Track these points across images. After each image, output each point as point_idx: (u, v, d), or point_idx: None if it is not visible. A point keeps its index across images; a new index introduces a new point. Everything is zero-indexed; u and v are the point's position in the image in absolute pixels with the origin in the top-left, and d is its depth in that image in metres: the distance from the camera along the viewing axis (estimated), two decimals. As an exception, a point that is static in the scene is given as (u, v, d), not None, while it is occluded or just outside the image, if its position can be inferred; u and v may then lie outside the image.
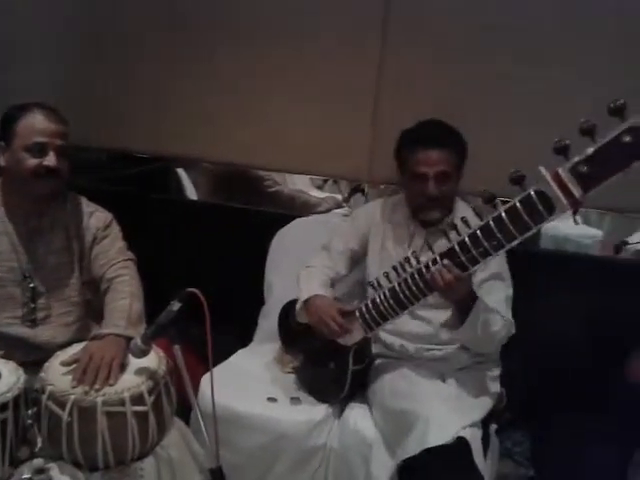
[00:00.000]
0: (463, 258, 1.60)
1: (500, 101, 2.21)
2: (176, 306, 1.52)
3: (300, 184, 3.35)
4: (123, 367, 1.60)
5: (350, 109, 2.39)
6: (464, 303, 1.74)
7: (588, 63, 2.11)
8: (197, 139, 2.64)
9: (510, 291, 1.94)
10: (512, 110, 2.20)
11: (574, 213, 1.44)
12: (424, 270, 1.68)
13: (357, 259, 2.13)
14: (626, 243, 2.46)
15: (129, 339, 1.62)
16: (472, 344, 1.89)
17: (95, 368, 1.55)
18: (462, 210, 1.99)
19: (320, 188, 3.60)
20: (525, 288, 1.96)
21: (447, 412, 1.70)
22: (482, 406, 1.86)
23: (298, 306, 2.01)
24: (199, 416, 1.51)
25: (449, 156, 1.88)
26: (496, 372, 2.01)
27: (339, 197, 3.33)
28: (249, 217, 2.71)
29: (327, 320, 1.89)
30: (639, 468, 2.00)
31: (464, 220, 1.60)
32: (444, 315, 1.91)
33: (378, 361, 2.04)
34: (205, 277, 2.52)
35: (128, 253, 1.95)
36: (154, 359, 1.62)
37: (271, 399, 1.98)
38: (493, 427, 1.95)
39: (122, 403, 1.49)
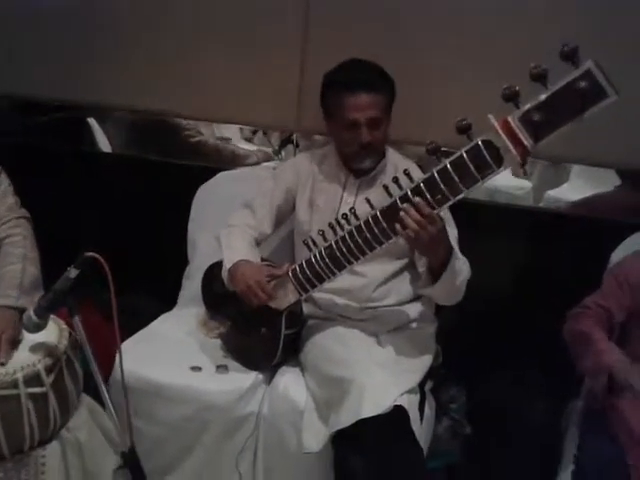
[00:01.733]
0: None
1: (442, 43, 2.06)
2: (73, 273, 1.34)
3: (228, 135, 3.19)
4: (15, 344, 1.41)
5: (278, 55, 2.20)
6: (438, 253, 1.58)
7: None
8: (111, 85, 2.37)
9: (456, 232, 1.83)
10: (456, 53, 2.05)
11: (522, 164, 1.35)
12: (363, 226, 1.56)
13: (283, 216, 2.00)
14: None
15: (23, 310, 1.42)
16: (441, 299, 1.79)
17: None
18: (393, 156, 1.91)
19: (249, 140, 3.44)
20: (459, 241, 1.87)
21: (383, 379, 1.60)
22: (419, 369, 1.78)
23: (224, 274, 1.84)
24: (105, 395, 1.35)
25: (380, 99, 1.76)
26: (432, 329, 1.94)
27: (269, 149, 3.22)
28: (170, 171, 2.49)
29: (255, 288, 1.74)
30: (572, 418, 1.95)
31: (406, 172, 1.48)
32: (380, 268, 1.83)
33: (310, 322, 1.93)
34: (122, 237, 2.40)
35: (21, 210, 1.73)
36: (54, 332, 1.44)
37: (195, 368, 1.83)
38: (429, 385, 1.89)
39: (15, 385, 1.32)
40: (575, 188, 2.84)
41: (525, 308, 2.23)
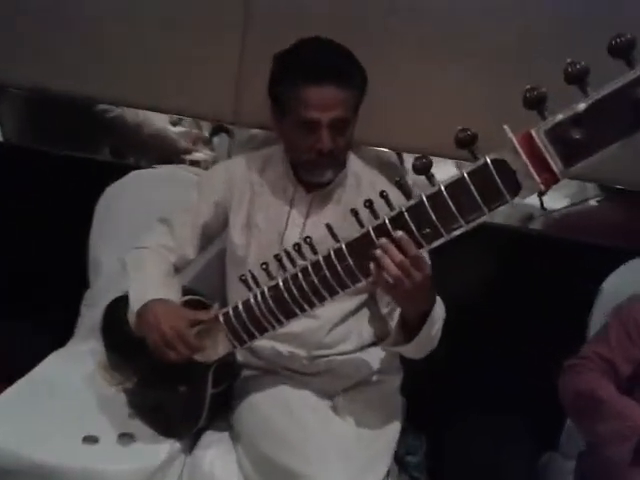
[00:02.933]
0: (380, 251, 1.09)
1: (412, 25, 1.67)
2: None
3: (156, 123, 2.73)
4: None
5: (215, 36, 1.81)
6: (419, 304, 1.21)
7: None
8: (4, 57, 1.96)
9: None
10: (430, 40, 1.67)
11: (542, 194, 0.98)
12: (323, 263, 1.14)
13: (211, 237, 1.57)
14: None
15: None
16: (411, 354, 1.37)
17: None
18: (354, 164, 1.51)
19: (177, 124, 2.98)
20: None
21: (348, 476, 1.21)
22: (390, 445, 1.41)
23: (130, 315, 1.39)
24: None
25: (350, 96, 1.35)
26: (398, 381, 1.57)
27: (199, 135, 2.78)
28: (72, 167, 1.99)
29: (173, 340, 1.30)
30: (547, 471, 1.72)
31: (384, 195, 1.07)
32: (335, 307, 1.40)
33: (246, 373, 1.51)
34: (4, 250, 1.93)
35: None
36: None
37: (89, 438, 1.37)
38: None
39: None
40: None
41: (494, 344, 1.89)
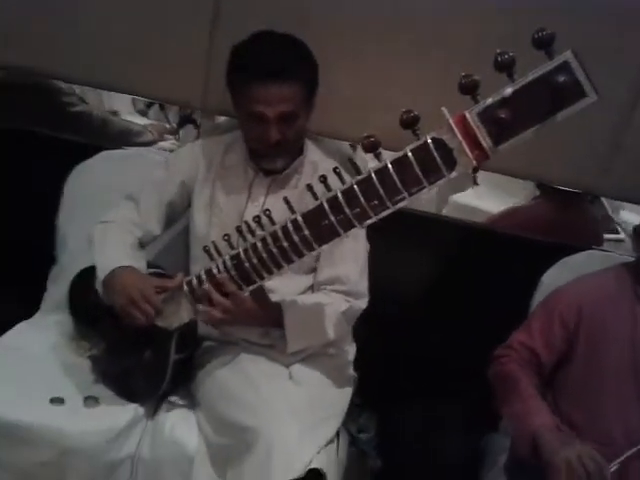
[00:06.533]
0: (333, 219, 1.18)
1: (375, 19, 1.74)
2: None
3: (118, 106, 2.74)
4: None
5: (185, 18, 1.81)
6: (262, 323, 1.49)
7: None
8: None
9: (365, 255, 1.59)
10: (398, 31, 1.74)
11: (474, 170, 1.10)
12: (280, 233, 1.24)
13: (175, 214, 1.65)
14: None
15: None
16: (317, 347, 1.55)
17: None
18: (312, 154, 1.60)
19: (143, 114, 3.00)
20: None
21: (297, 435, 1.30)
22: (339, 410, 1.51)
23: (98, 283, 1.46)
24: None
25: (296, 90, 1.44)
26: (351, 355, 1.67)
27: (166, 126, 2.82)
28: (40, 145, 2.01)
29: (139, 302, 1.38)
30: (487, 449, 1.79)
31: (337, 172, 1.18)
32: (293, 284, 1.53)
33: (205, 344, 1.60)
34: None
35: None
36: None
37: (56, 400, 1.44)
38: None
39: None
40: (480, 195, 2.70)
41: (442, 330, 1.99)
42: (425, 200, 2.54)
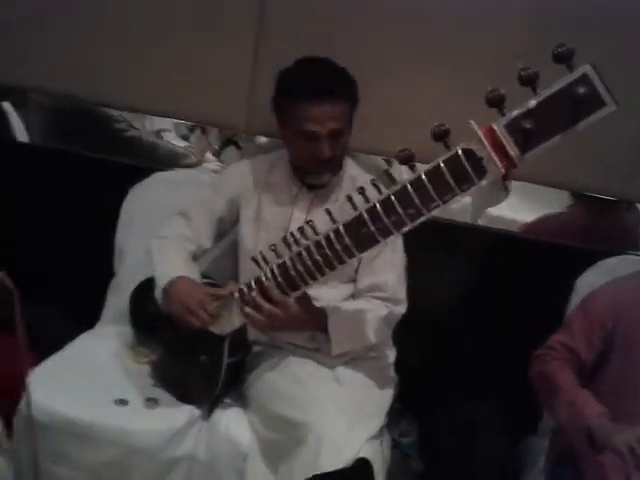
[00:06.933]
0: (372, 228, 1.28)
1: (408, 41, 1.87)
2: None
3: (162, 130, 2.91)
4: None
5: (228, 41, 1.95)
6: (308, 328, 1.58)
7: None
8: (28, 63, 2.09)
9: (403, 264, 1.69)
10: (424, 54, 1.87)
11: (504, 178, 1.19)
12: (323, 242, 1.34)
13: (224, 229, 1.77)
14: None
15: None
16: (359, 350, 1.65)
17: None
18: (351, 169, 1.71)
19: (186, 138, 3.15)
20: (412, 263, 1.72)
21: (345, 427, 1.39)
22: (381, 410, 1.59)
23: (158, 292, 1.59)
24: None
25: (343, 109, 1.56)
26: (391, 357, 1.76)
27: (208, 150, 2.96)
28: (96, 168, 2.18)
29: (195, 309, 1.50)
30: (525, 451, 1.85)
31: (374, 183, 1.27)
32: (335, 292, 1.62)
33: (255, 349, 1.70)
34: (36, 242, 2.10)
35: None
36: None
37: (120, 401, 1.56)
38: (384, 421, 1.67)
39: None
40: (514, 207, 2.75)
41: (480, 336, 2.06)
42: (461, 214, 2.66)
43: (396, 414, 1.99)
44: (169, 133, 2.94)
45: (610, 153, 1.83)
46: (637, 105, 1.68)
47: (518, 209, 2.73)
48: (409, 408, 2.08)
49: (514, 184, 2.58)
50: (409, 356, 1.81)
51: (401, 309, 1.64)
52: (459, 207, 2.65)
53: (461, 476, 1.95)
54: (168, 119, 2.59)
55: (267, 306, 1.44)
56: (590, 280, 1.81)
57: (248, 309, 1.46)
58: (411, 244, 1.67)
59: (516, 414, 1.84)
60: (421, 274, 1.73)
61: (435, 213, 1.23)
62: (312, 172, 1.63)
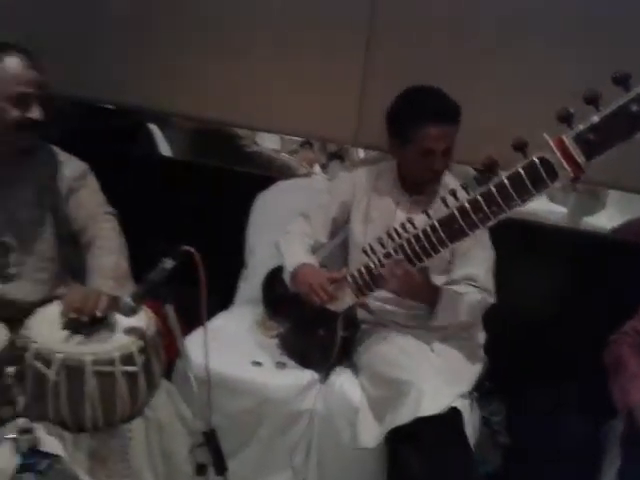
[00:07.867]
0: (462, 223, 1.58)
1: (493, 66, 2.16)
2: (169, 264, 1.45)
3: (271, 145, 3.26)
4: (112, 326, 1.53)
5: (338, 65, 2.25)
6: (423, 299, 1.84)
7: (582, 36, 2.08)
8: (171, 92, 2.49)
9: (491, 260, 1.94)
10: (510, 80, 2.15)
11: (574, 181, 1.44)
12: (421, 235, 1.66)
13: (337, 228, 2.11)
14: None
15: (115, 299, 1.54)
16: (454, 327, 1.92)
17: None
18: (446, 178, 1.99)
19: (294, 152, 3.54)
20: (504, 258, 1.96)
21: (440, 383, 1.69)
22: (470, 377, 1.87)
23: (286, 276, 1.95)
24: (192, 379, 1.45)
25: (455, 129, 1.85)
26: (481, 339, 2.02)
27: (316, 163, 3.32)
28: (226, 177, 2.59)
29: (317, 289, 1.85)
30: (611, 439, 1.93)
31: (464, 186, 1.58)
32: (437, 280, 1.91)
33: (364, 326, 2.02)
34: (181, 237, 2.51)
35: (109, 207, 1.85)
36: (144, 319, 1.56)
37: (256, 363, 1.94)
38: (474, 395, 1.95)
39: (112, 363, 1.43)
40: (611, 216, 2.90)
41: (567, 326, 2.26)
42: (554, 221, 2.86)
43: (487, 396, 2.22)
44: (280, 147, 3.38)
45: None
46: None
47: (614, 219, 2.90)
48: (499, 390, 2.29)
49: (610, 196, 2.80)
50: (501, 340, 2.03)
51: (490, 299, 1.91)
52: (556, 218, 2.90)
53: (545, 452, 2.16)
54: (280, 135, 3.01)
55: (401, 271, 1.71)
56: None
57: (385, 271, 1.73)
58: (507, 244, 1.93)
59: (599, 398, 1.94)
60: (516, 270, 1.99)
61: (514, 210, 1.50)
62: (425, 182, 1.93)
